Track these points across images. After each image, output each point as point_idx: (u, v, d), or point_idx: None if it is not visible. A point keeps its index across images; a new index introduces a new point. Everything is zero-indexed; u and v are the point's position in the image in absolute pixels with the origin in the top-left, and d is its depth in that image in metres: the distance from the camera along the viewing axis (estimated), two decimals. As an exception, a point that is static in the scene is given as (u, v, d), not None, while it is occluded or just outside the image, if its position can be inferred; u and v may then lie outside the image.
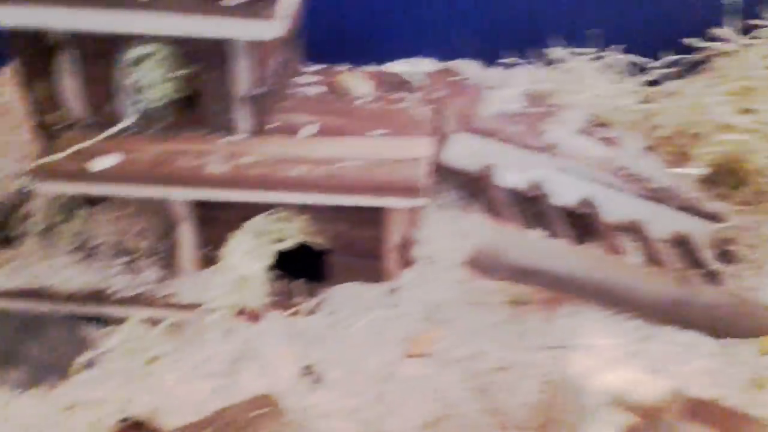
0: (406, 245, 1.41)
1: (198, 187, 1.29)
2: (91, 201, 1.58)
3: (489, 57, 1.96)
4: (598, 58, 1.79)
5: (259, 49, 1.30)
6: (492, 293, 1.34)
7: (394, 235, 1.36)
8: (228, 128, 1.36)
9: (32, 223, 1.55)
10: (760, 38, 1.65)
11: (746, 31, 1.69)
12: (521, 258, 1.15)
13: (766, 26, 1.65)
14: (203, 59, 1.28)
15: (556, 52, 1.81)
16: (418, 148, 1.34)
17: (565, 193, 1.44)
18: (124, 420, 1.09)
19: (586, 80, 1.71)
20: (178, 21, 1.15)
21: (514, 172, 1.43)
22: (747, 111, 1.51)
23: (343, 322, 1.36)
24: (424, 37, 1.98)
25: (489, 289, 1.34)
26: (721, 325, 1.28)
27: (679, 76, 1.74)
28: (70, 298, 1.42)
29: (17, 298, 1.43)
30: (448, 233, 1.46)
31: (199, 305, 1.38)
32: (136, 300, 1.41)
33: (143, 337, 1.34)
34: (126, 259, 1.52)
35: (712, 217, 1.52)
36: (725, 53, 1.64)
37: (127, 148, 1.34)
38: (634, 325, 1.26)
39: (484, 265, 1.16)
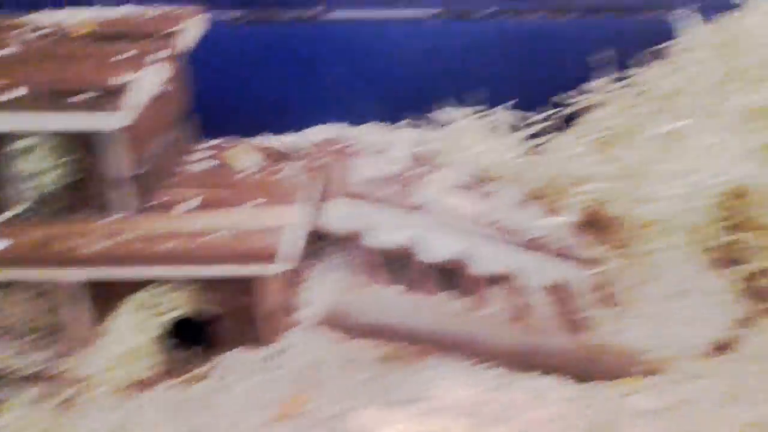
0: (283, 309, 1.47)
1: (77, 266, 1.36)
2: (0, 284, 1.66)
3: (391, 119, 2.06)
4: (484, 116, 1.88)
5: (132, 133, 1.39)
6: (364, 351, 1.40)
7: (268, 301, 1.43)
8: (108, 208, 1.45)
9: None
10: (629, 86, 1.76)
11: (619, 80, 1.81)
12: (374, 315, 1.22)
13: (630, 76, 1.76)
14: (78, 148, 1.37)
15: (445, 112, 1.91)
16: (287, 216, 1.42)
17: (436, 249, 1.52)
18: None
19: (470, 138, 1.81)
20: (33, 118, 1.24)
21: (386, 231, 1.51)
22: (610, 160, 1.60)
23: (226, 387, 1.42)
24: (326, 104, 2.09)
25: (362, 347, 1.41)
26: (580, 369, 1.35)
27: (558, 129, 1.83)
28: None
29: None
30: (330, 294, 1.53)
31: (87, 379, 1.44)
32: (29, 378, 1.47)
33: (31, 415, 1.39)
34: (33, 336, 1.59)
35: (586, 263, 1.60)
36: (594, 105, 1.75)
37: (16, 233, 1.41)
38: (494, 374, 1.32)
39: (339, 323, 1.23)
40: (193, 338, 1.50)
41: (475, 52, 2.00)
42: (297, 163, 1.63)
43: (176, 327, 1.49)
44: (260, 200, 1.48)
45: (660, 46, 1.78)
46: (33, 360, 1.52)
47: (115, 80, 1.31)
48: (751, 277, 1.53)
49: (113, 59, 1.42)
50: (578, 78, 1.82)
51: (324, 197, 1.55)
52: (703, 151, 1.54)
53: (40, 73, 1.36)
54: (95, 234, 1.41)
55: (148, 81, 1.42)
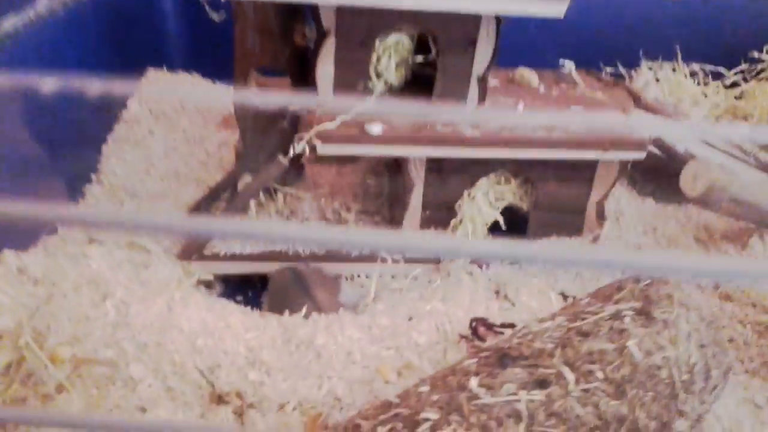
0: (603, 202, 1.67)
1: (458, 146, 1.51)
2: (285, 183, 1.76)
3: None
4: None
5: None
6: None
7: (598, 193, 1.63)
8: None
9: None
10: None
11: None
12: (742, 194, 1.45)
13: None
14: (450, 44, 1.53)
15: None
16: (622, 118, 1.63)
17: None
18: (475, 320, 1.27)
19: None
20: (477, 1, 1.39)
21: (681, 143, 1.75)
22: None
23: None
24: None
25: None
26: None
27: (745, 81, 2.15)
28: (317, 257, 1.59)
29: (267, 260, 1.58)
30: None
31: (438, 259, 1.59)
32: (371, 258, 1.60)
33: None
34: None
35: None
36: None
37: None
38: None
39: (710, 200, 1.45)
40: (516, 228, 1.66)
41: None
42: (580, 85, 1.83)
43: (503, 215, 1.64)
44: (577, 108, 1.68)
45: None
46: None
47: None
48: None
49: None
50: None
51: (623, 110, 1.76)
52: None
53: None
54: (461, 123, 1.56)
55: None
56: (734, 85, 2.16)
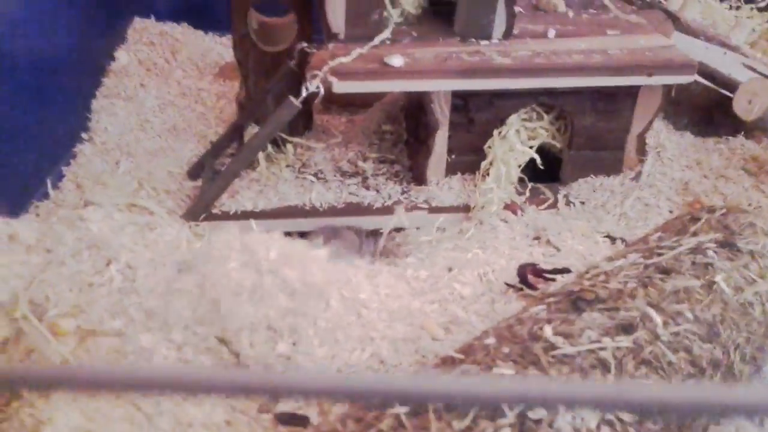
0: (644, 136, 1.53)
1: (493, 77, 1.36)
2: (294, 133, 1.61)
3: None
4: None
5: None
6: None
7: (639, 125, 1.49)
8: (484, 33, 1.45)
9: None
10: None
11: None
12: None
13: None
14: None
15: None
16: (658, 41, 1.48)
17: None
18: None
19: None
20: None
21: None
22: None
23: (601, 207, 1.46)
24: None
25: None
26: None
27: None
28: (335, 212, 1.45)
29: (282, 216, 1.44)
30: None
31: (467, 206, 1.45)
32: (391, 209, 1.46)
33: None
34: (355, 180, 1.55)
35: None
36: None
37: (402, 52, 1.38)
38: None
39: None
40: (546, 169, 1.52)
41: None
42: (611, 8, 1.67)
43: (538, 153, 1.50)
44: (612, 32, 1.53)
45: None
46: (383, 195, 1.50)
47: None
48: None
49: None
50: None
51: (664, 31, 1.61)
52: None
53: None
54: (490, 52, 1.41)
55: None
56: (768, 8, 2.01)
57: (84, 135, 1.61)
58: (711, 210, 1.02)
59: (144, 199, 1.45)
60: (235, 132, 1.58)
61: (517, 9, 1.56)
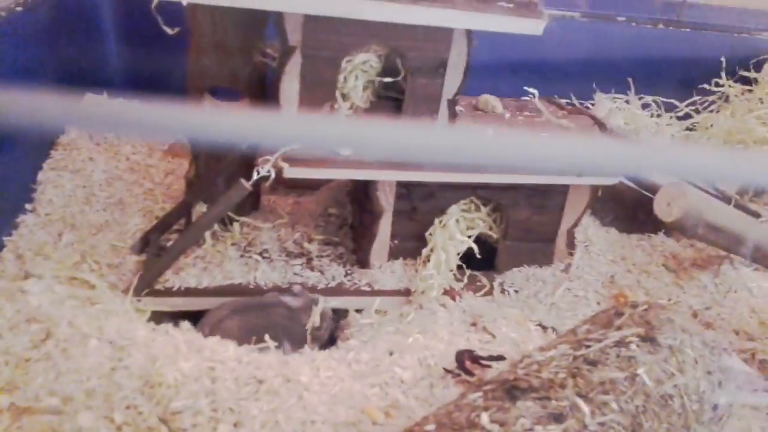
0: (573, 231, 1.63)
1: (434, 170, 1.45)
2: (241, 213, 1.65)
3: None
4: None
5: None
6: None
7: (569, 220, 1.59)
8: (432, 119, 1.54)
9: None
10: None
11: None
12: (716, 219, 1.43)
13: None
14: (420, 63, 1.47)
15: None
16: (596, 145, 1.60)
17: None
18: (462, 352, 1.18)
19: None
20: (456, 15, 1.33)
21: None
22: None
23: (533, 297, 1.54)
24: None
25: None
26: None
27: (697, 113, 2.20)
28: (280, 291, 1.47)
29: (227, 294, 1.45)
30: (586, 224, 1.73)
31: (408, 290, 1.50)
32: (339, 291, 1.50)
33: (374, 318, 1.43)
34: (300, 260, 1.59)
35: None
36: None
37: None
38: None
39: (687, 225, 1.43)
40: (483, 258, 1.60)
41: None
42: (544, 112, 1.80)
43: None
44: (545, 134, 1.65)
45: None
46: (326, 276, 1.54)
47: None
48: None
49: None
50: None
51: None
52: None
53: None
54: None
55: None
56: (687, 116, 2.19)
57: (28, 206, 1.60)
58: (634, 305, 1.10)
59: (86, 273, 1.44)
60: (183, 209, 1.60)
61: (458, 108, 1.68)
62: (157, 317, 1.40)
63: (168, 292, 1.44)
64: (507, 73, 2.27)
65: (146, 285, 1.43)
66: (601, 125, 1.75)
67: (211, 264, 1.53)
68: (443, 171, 1.45)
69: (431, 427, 0.85)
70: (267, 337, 1.27)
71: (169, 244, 1.54)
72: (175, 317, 1.43)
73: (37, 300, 1.23)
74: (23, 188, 1.63)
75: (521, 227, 1.59)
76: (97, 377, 1.08)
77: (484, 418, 0.84)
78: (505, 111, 1.77)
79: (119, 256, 1.53)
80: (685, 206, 1.41)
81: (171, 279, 1.46)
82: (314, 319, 1.40)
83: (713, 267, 1.59)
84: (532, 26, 1.35)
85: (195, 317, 1.41)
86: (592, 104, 2.18)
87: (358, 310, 1.49)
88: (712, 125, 2.09)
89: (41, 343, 1.13)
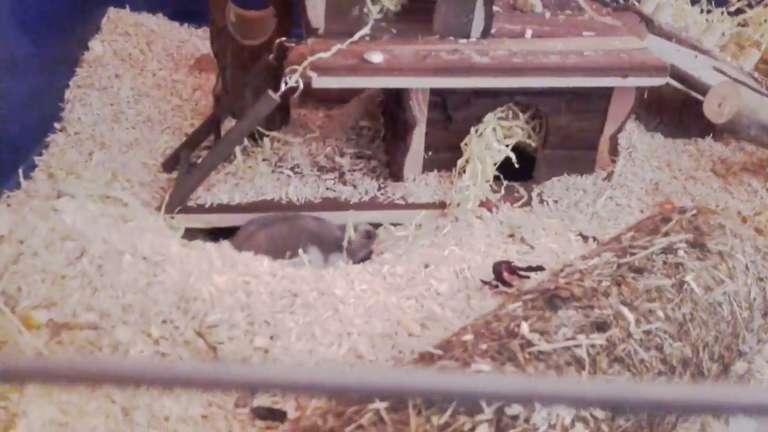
0: (617, 136, 1.56)
1: (471, 75, 1.37)
2: (271, 128, 1.61)
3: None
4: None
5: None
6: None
7: (612, 126, 1.51)
8: (463, 32, 1.46)
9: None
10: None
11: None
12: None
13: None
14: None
15: None
16: (637, 42, 1.50)
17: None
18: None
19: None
20: None
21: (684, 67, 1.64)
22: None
23: (573, 206, 1.49)
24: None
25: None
26: None
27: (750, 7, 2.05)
28: (312, 206, 1.45)
29: (259, 210, 1.43)
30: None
31: (443, 203, 1.46)
32: (372, 205, 1.47)
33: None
34: (332, 175, 1.56)
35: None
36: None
37: (382, 49, 1.38)
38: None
39: (739, 126, 1.35)
40: (520, 168, 1.54)
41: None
42: (587, 10, 1.69)
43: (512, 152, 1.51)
44: (588, 33, 1.55)
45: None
46: (359, 190, 1.51)
47: None
48: None
49: None
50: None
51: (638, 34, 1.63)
52: None
53: None
54: (468, 50, 1.42)
55: None
56: (739, 11, 2.05)
57: (57, 125, 1.58)
58: (682, 211, 1.04)
59: (118, 191, 1.44)
60: (212, 125, 1.57)
61: (495, 8, 1.58)
62: (191, 234, 1.39)
63: (201, 209, 1.43)
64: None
65: (178, 202, 1.41)
66: (648, 22, 1.64)
67: (243, 180, 1.50)
68: (479, 76, 1.38)
69: (469, 337, 0.82)
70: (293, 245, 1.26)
71: (200, 160, 1.52)
72: (209, 234, 1.43)
73: (71, 218, 1.22)
74: (52, 107, 1.61)
75: (561, 134, 1.52)
76: (133, 293, 1.08)
77: (524, 328, 0.81)
78: (544, 10, 1.67)
79: (150, 173, 1.52)
80: (738, 106, 1.32)
81: (203, 196, 1.45)
82: (350, 233, 1.38)
83: (765, 171, 1.51)
84: None
85: (228, 234, 1.41)
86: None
87: (392, 224, 1.46)
88: (766, 21, 1.95)
89: (76, 260, 1.13)
